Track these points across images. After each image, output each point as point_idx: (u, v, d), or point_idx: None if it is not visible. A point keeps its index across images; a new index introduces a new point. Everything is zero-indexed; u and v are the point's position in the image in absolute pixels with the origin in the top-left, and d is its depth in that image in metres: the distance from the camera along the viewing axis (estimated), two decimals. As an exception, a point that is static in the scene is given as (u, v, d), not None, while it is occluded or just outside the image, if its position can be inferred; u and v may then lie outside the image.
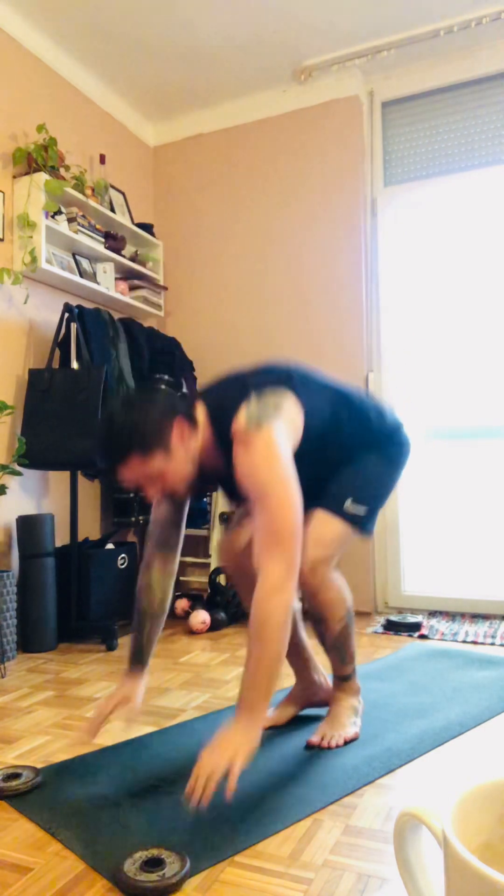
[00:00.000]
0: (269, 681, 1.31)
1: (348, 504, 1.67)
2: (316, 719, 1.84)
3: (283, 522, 1.38)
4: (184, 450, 1.51)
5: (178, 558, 1.73)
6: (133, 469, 1.47)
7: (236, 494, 1.69)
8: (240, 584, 1.82)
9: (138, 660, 1.64)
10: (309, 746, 1.65)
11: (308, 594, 1.67)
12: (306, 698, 1.87)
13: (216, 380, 1.67)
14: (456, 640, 2.72)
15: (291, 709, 1.85)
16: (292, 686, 1.92)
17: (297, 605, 1.86)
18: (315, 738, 1.65)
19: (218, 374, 3.74)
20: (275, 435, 1.47)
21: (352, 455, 1.72)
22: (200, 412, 1.59)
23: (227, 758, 1.25)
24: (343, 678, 1.76)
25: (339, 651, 1.73)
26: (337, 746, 1.64)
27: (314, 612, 1.69)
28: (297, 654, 1.87)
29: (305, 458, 1.59)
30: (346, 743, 1.67)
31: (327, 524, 1.65)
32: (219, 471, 1.62)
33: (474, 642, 2.69)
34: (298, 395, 1.61)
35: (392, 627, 2.91)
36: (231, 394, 1.57)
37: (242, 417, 1.50)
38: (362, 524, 1.69)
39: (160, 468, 1.48)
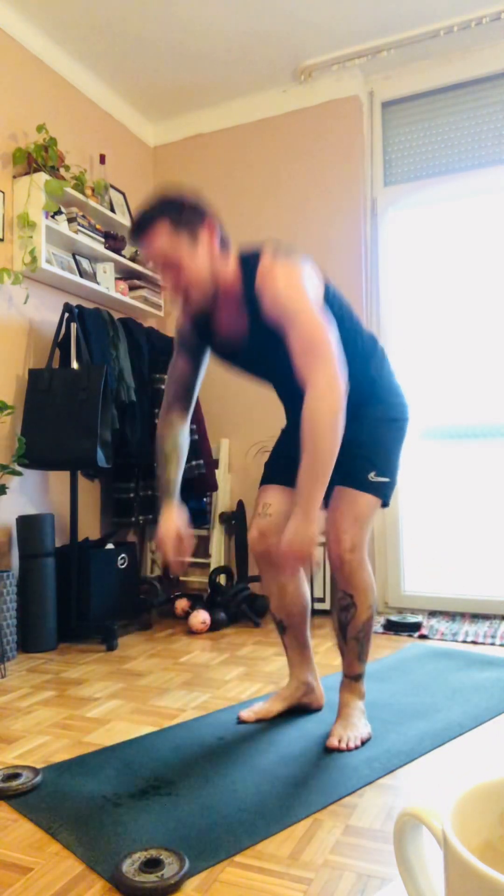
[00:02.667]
0: (324, 474, 1.45)
1: (372, 476, 1.69)
2: (316, 719, 1.84)
3: (316, 335, 1.45)
4: (207, 252, 1.55)
5: (188, 418, 1.82)
6: (157, 241, 1.51)
7: (247, 358, 1.70)
8: (265, 571, 1.85)
9: (168, 494, 1.77)
10: (328, 749, 1.64)
11: (343, 577, 1.69)
12: (296, 698, 1.88)
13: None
14: (456, 640, 2.72)
15: (279, 704, 1.87)
16: (283, 686, 1.94)
17: (308, 601, 1.90)
18: (333, 741, 1.65)
19: (218, 371, 3.74)
20: (299, 267, 1.53)
21: (359, 404, 1.72)
22: (231, 257, 1.62)
23: (305, 541, 1.44)
24: (355, 678, 1.77)
25: (360, 644, 1.73)
26: (355, 748, 1.64)
27: (345, 598, 1.71)
28: (298, 652, 1.89)
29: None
30: (363, 743, 1.67)
31: (357, 501, 1.69)
32: (236, 328, 1.66)
33: (474, 642, 2.69)
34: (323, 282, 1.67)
35: (392, 627, 2.91)
36: (261, 246, 1.64)
37: (269, 252, 1.56)
38: (385, 495, 1.72)
39: (182, 253, 1.51)
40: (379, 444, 1.73)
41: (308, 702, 1.89)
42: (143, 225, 1.52)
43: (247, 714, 1.83)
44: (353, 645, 1.74)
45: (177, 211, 1.51)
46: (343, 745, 1.63)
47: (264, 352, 1.65)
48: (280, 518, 1.80)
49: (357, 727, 1.70)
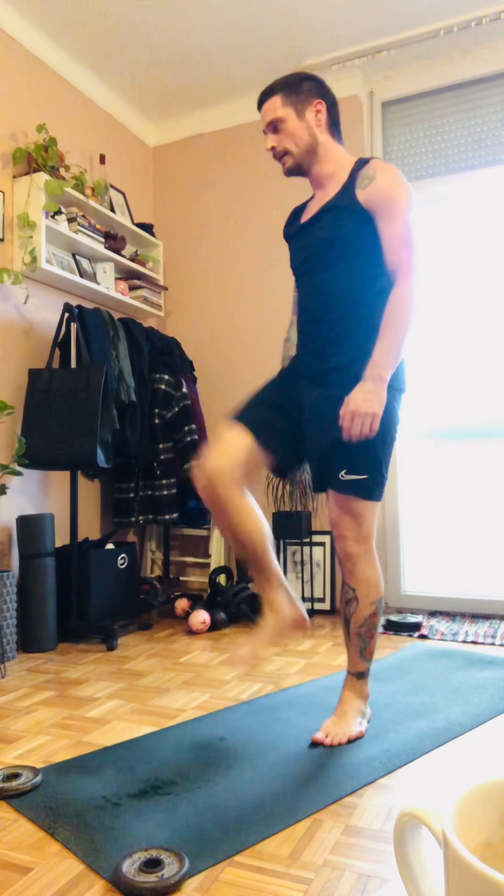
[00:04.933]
0: (401, 348, 1.65)
1: (343, 475, 1.69)
2: (316, 719, 1.84)
3: (413, 241, 1.69)
4: (313, 125, 1.80)
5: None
6: (270, 107, 1.79)
7: (312, 240, 1.81)
8: (213, 513, 1.76)
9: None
10: (313, 744, 1.65)
11: (347, 570, 1.72)
12: (278, 625, 1.74)
13: None
14: (456, 640, 2.72)
15: (266, 638, 1.72)
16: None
17: (264, 530, 1.76)
18: (319, 735, 1.66)
19: (218, 371, 3.74)
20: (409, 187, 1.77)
21: (354, 356, 1.74)
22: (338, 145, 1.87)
23: (375, 401, 1.61)
24: (357, 675, 1.76)
25: (362, 640, 1.74)
26: (340, 744, 1.65)
27: (348, 591, 1.73)
28: (266, 577, 1.75)
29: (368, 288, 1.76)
30: (350, 741, 1.67)
31: (345, 501, 1.70)
32: (320, 202, 1.83)
33: (474, 642, 2.69)
34: None
35: (392, 627, 2.91)
36: None
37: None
38: (368, 490, 1.70)
39: (287, 120, 1.78)
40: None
41: (292, 623, 1.75)
42: (263, 96, 1.82)
43: (233, 659, 1.67)
44: (355, 640, 1.75)
45: (291, 88, 1.79)
46: (327, 741, 1.64)
47: (325, 232, 1.78)
48: (236, 467, 1.72)
49: (349, 724, 1.69)
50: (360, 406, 1.61)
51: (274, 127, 1.80)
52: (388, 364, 1.64)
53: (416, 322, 1.70)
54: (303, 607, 1.82)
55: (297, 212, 1.97)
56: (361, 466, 1.70)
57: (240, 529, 1.74)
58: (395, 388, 1.75)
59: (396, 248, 1.68)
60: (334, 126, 1.84)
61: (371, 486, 1.71)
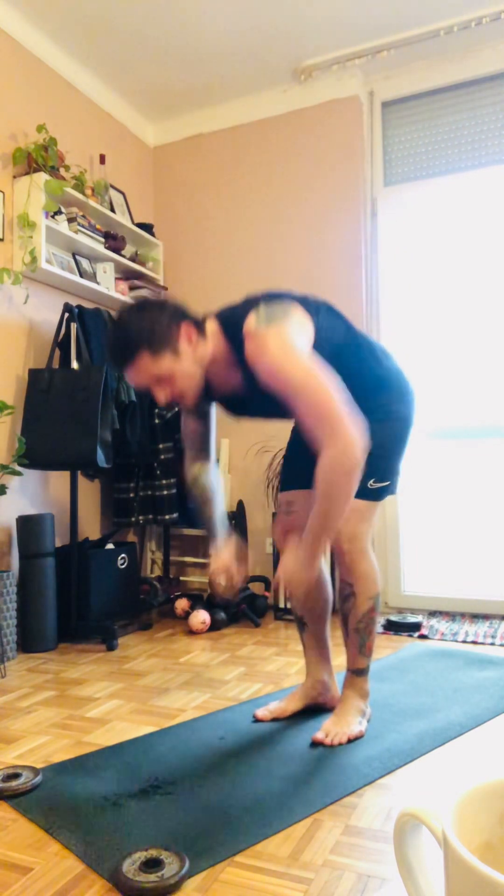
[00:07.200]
0: (333, 529, 1.51)
1: (372, 483, 1.71)
2: (316, 719, 1.84)
3: (323, 404, 1.41)
4: (192, 352, 1.55)
5: (212, 460, 1.87)
6: (142, 369, 1.51)
7: (255, 408, 1.74)
8: None
9: (214, 534, 1.79)
10: (313, 743, 1.65)
11: (344, 567, 1.72)
12: (312, 697, 1.88)
13: (228, 304, 1.71)
14: (456, 640, 2.72)
15: (295, 703, 1.87)
16: (300, 683, 1.93)
17: (330, 599, 1.91)
18: (319, 735, 1.66)
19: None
20: (287, 329, 1.50)
21: (364, 407, 1.70)
22: (212, 325, 1.63)
23: (301, 579, 1.53)
24: (357, 672, 1.77)
25: (361, 636, 1.74)
26: (340, 744, 1.65)
27: (345, 588, 1.73)
28: (317, 650, 1.89)
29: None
30: (350, 741, 1.67)
31: (355, 503, 1.70)
32: (235, 387, 1.68)
33: (474, 642, 2.69)
34: (309, 313, 1.62)
35: (392, 627, 2.91)
36: (241, 307, 1.61)
37: (252, 319, 1.53)
38: (382, 495, 1.74)
39: (169, 369, 1.52)
40: (382, 448, 1.72)
41: (324, 701, 1.89)
42: (124, 361, 1.52)
43: (262, 713, 1.83)
44: (353, 637, 1.75)
45: (152, 336, 1.50)
46: (328, 741, 1.64)
47: (267, 400, 1.65)
48: (304, 516, 1.84)
49: (349, 724, 1.70)
50: (291, 578, 1.55)
51: (158, 382, 1.54)
52: (320, 542, 1.51)
53: (353, 485, 1.46)
54: (337, 691, 1.91)
55: (206, 388, 1.70)
56: (387, 474, 1.74)
57: (311, 588, 1.86)
58: (405, 416, 1.76)
59: (313, 430, 1.45)
60: (198, 325, 1.58)
61: (388, 489, 1.75)
